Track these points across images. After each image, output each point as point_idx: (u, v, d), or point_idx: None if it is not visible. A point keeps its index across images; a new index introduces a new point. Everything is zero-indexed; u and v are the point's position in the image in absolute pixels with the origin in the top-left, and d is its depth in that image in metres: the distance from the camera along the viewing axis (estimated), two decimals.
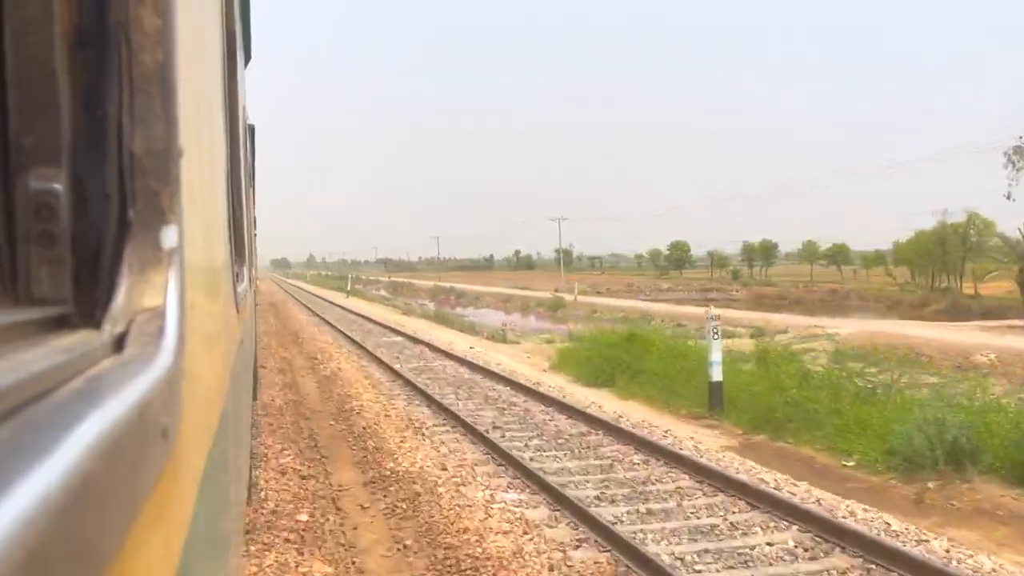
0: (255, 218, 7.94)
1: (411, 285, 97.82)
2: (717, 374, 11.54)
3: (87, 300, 0.60)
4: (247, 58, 4.40)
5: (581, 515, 6.65)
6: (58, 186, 0.58)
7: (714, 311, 12.30)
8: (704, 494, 7.48)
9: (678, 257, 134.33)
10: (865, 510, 7.01)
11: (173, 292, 0.65)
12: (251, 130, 6.47)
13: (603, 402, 12.86)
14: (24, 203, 0.57)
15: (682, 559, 5.90)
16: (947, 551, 6.03)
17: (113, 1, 0.61)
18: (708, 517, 6.84)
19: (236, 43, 2.63)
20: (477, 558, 5.85)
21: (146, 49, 0.64)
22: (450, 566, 5.77)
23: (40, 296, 0.59)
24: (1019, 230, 46.10)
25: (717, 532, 6.50)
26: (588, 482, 7.99)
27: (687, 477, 7.97)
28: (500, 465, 8.61)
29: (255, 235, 8.24)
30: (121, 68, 0.62)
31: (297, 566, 5.68)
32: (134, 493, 0.49)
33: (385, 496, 7.54)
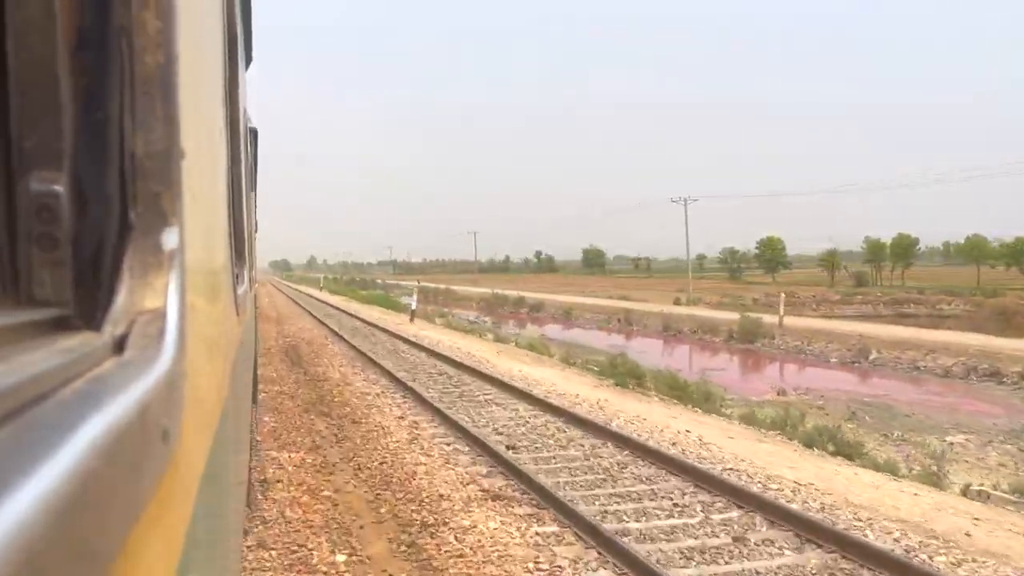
0: (256, 221, 7.94)
1: (451, 293, 75.43)
2: None
3: (88, 302, 0.61)
4: (248, 60, 4.41)
5: None
6: (59, 188, 0.58)
7: None
8: None
9: (770, 257, 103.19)
10: None
11: (174, 294, 0.65)
12: (253, 134, 6.47)
13: None
14: (25, 205, 0.57)
15: None
16: None
17: (115, 3, 0.61)
18: None
19: (237, 45, 2.63)
20: None
21: (148, 51, 0.64)
22: None
23: (41, 298, 0.59)
24: None
25: None
26: None
27: None
28: None
29: (255, 237, 8.25)
30: (123, 70, 0.62)
31: None
32: (135, 494, 0.49)
33: None
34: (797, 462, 9.54)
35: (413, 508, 7.13)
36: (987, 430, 17.69)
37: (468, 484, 7.96)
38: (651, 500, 7.56)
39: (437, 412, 11.38)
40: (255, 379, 7.55)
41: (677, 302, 53.93)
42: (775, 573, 5.82)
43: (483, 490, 7.75)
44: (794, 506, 7.27)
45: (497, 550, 6.15)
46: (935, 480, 10.62)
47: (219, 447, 1.13)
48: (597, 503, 7.44)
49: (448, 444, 9.73)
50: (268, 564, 5.75)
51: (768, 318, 37.12)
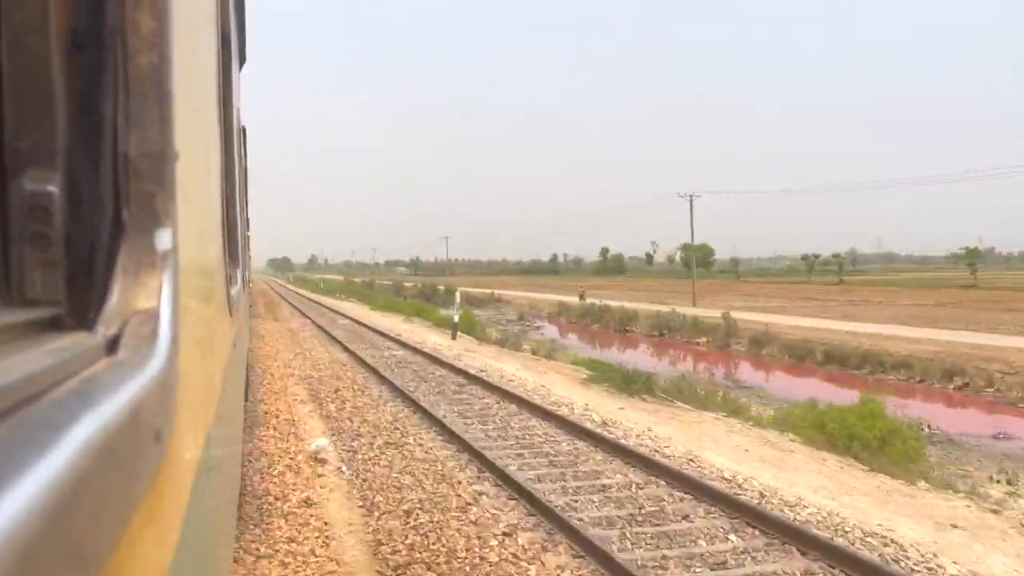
0: (248, 219, 7.93)
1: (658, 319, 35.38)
2: None
3: (81, 302, 0.60)
4: (242, 60, 4.40)
5: None
6: (53, 188, 0.58)
7: None
8: None
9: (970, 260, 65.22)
10: None
11: (167, 294, 0.65)
12: (242, 132, 6.45)
13: None
14: (19, 204, 0.57)
15: None
16: None
17: (110, 4, 0.61)
18: None
19: (231, 45, 2.62)
20: None
21: (142, 52, 0.65)
22: None
23: (33, 297, 0.59)
24: None
25: None
26: None
27: None
28: None
29: (248, 236, 8.23)
30: (117, 71, 0.62)
31: None
32: (127, 495, 0.49)
33: None
34: None
35: None
36: None
37: None
38: None
39: None
40: (247, 378, 7.62)
41: None
42: None
43: None
44: None
45: None
46: None
47: (211, 447, 1.13)
48: None
49: None
50: None
51: None
